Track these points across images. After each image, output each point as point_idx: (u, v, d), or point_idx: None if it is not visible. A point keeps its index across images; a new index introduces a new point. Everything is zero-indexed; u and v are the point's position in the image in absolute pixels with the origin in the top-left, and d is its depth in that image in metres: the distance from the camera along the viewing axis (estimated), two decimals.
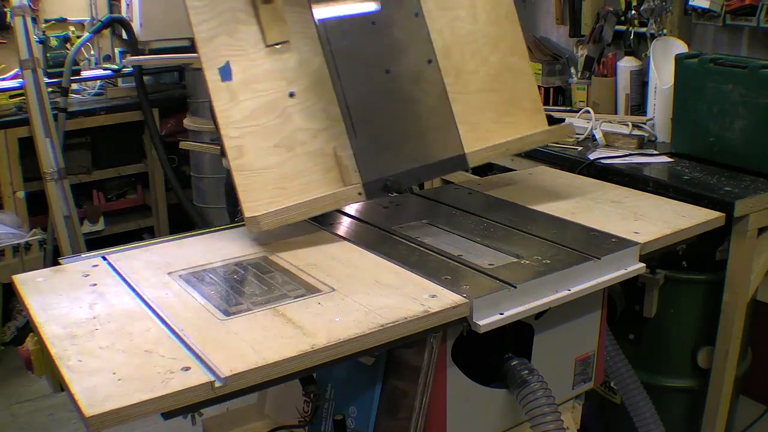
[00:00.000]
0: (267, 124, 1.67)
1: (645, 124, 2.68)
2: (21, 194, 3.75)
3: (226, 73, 1.60)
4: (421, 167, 1.77)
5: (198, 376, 1.13)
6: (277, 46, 1.70)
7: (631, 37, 2.90)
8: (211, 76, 1.61)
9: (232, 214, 2.27)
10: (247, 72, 1.66)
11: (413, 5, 1.86)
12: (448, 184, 2.34)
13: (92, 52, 4.41)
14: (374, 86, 1.77)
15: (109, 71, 4.28)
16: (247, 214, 1.61)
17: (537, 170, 2.37)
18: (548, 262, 1.55)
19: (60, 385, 1.19)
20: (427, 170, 1.78)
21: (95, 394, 1.08)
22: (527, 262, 1.56)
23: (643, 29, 2.84)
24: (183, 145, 4.03)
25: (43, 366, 1.42)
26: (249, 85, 1.65)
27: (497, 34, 1.99)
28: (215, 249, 1.68)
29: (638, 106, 2.88)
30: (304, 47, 1.75)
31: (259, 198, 1.63)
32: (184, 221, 4.21)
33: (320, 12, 1.75)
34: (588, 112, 2.77)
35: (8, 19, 3.86)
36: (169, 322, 1.31)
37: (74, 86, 4.15)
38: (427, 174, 1.79)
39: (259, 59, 1.68)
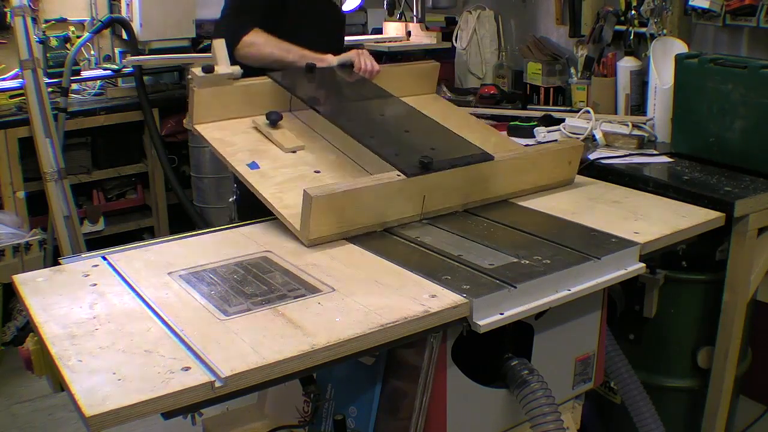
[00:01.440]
0: (301, 186, 1.75)
1: (645, 124, 2.68)
2: (21, 194, 3.75)
3: (253, 166, 1.87)
4: (453, 158, 1.83)
5: (198, 376, 1.13)
6: (293, 152, 1.99)
7: (631, 37, 2.90)
8: (242, 170, 1.87)
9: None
10: (272, 164, 1.91)
11: (403, 125, 2.07)
12: None
13: (92, 52, 4.41)
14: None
15: (109, 71, 4.28)
16: (300, 228, 1.68)
17: None
18: (548, 262, 1.55)
19: (60, 385, 1.19)
20: (457, 159, 1.83)
21: (95, 394, 1.08)
22: (527, 262, 1.56)
23: (643, 29, 2.84)
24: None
25: (43, 366, 1.42)
26: (277, 169, 1.88)
27: (482, 136, 2.19)
28: (215, 249, 1.68)
29: (638, 106, 2.88)
30: (318, 148, 2.04)
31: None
32: (184, 221, 4.21)
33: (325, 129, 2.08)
34: (588, 112, 2.77)
35: (8, 19, 3.86)
36: (169, 322, 1.31)
37: (74, 86, 4.15)
38: (458, 160, 1.82)
39: (281, 157, 1.96)
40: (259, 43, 2.34)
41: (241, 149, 1.97)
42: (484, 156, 1.85)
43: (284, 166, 1.92)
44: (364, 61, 2.34)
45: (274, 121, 2.08)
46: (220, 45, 2.12)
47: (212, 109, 2.07)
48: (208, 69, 2.05)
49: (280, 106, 2.16)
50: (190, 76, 2.06)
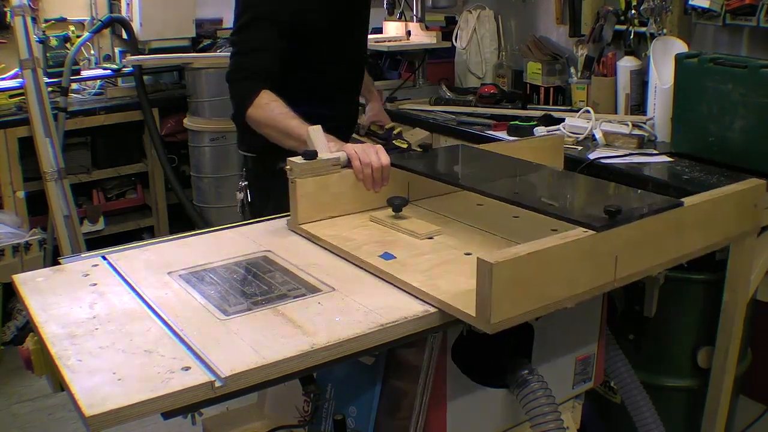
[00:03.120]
0: (455, 270, 1.54)
1: (645, 123, 2.69)
2: (21, 194, 3.75)
3: (388, 256, 1.58)
4: (641, 206, 1.65)
5: (198, 376, 1.13)
6: (430, 238, 1.69)
7: (631, 36, 2.90)
8: (376, 263, 1.56)
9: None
10: (410, 252, 1.62)
11: (561, 186, 1.90)
12: None
13: (92, 52, 4.41)
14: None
15: (109, 71, 4.28)
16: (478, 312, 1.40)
17: None
18: None
19: (60, 385, 1.18)
20: (647, 206, 1.64)
21: (95, 394, 1.08)
22: None
23: (643, 29, 2.84)
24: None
25: (43, 366, 1.42)
26: (417, 257, 1.59)
27: None
28: (215, 249, 1.68)
29: (638, 105, 2.89)
30: (458, 231, 1.73)
31: None
32: (184, 221, 4.22)
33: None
34: (588, 111, 2.77)
35: (8, 19, 3.86)
36: (169, 322, 1.31)
37: (74, 86, 4.15)
38: (648, 208, 1.61)
39: (418, 245, 1.66)
40: (257, 119, 2.06)
41: (365, 242, 1.64)
42: (673, 202, 1.61)
43: (425, 254, 1.60)
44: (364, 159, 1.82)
45: (398, 206, 1.76)
46: (316, 131, 1.83)
47: (318, 203, 1.77)
48: (310, 155, 1.74)
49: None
50: (288, 167, 1.73)
